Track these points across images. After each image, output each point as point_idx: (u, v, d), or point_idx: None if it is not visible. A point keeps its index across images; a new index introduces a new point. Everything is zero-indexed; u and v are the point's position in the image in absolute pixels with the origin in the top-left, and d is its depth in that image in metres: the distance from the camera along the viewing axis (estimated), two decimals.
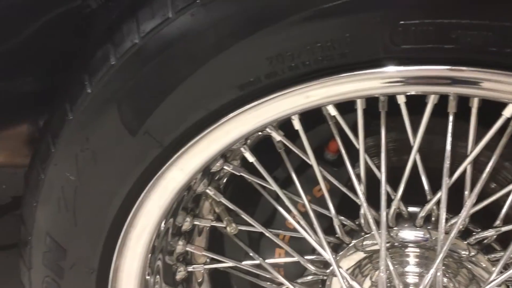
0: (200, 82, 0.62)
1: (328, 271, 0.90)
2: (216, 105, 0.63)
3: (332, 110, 0.75)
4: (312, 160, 0.80)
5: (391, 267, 0.77)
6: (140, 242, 0.77)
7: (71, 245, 0.75)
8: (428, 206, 0.80)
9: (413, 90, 0.60)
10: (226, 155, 0.82)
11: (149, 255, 0.80)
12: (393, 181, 0.79)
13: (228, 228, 0.88)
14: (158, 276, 0.88)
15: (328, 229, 0.85)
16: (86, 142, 0.68)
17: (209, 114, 0.64)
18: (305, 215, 0.85)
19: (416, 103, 0.73)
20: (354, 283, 0.80)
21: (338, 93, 0.62)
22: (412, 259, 0.83)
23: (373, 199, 0.81)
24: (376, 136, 0.87)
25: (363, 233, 0.86)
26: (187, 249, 0.91)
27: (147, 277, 0.85)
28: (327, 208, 0.84)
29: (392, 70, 0.57)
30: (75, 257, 0.76)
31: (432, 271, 0.75)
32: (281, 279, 0.87)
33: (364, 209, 0.79)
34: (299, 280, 0.92)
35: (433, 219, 0.82)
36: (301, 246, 0.91)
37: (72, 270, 0.76)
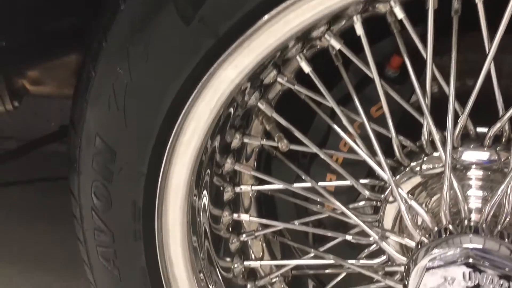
0: None
1: (382, 196, 0.85)
2: None
3: (399, 13, 0.69)
4: (373, 72, 0.75)
5: (456, 185, 0.72)
6: (190, 149, 0.74)
7: (121, 146, 0.74)
8: (498, 124, 0.73)
9: None
10: (279, 66, 0.78)
11: (196, 173, 0.78)
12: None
13: (279, 144, 0.84)
14: (205, 199, 0.87)
15: (385, 152, 0.81)
16: (138, 34, 0.66)
17: None
18: (361, 137, 0.81)
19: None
20: (413, 203, 0.75)
21: None
22: (475, 182, 0.78)
23: (436, 120, 0.75)
24: (439, 57, 0.81)
25: (423, 155, 0.81)
26: (235, 168, 0.88)
27: (194, 198, 0.83)
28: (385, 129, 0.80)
29: None
30: (124, 160, 0.74)
31: (501, 189, 0.69)
32: (335, 202, 0.84)
33: (429, 123, 0.74)
34: (350, 206, 0.88)
35: (503, 139, 0.76)
36: (353, 171, 0.86)
37: (121, 173, 0.75)
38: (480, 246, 0.66)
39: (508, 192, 0.69)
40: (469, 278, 0.66)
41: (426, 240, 0.73)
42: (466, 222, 0.71)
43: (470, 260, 0.66)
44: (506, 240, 0.68)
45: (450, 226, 0.71)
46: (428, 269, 0.68)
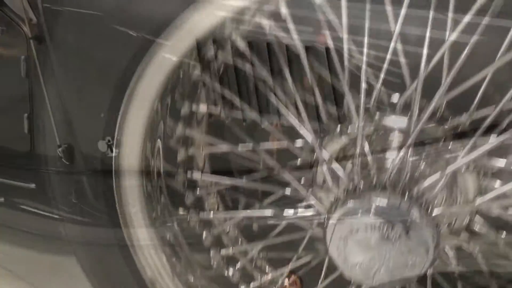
0: None
1: (314, 157, 0.97)
2: None
3: None
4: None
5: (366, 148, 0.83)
6: None
7: None
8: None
9: None
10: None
11: None
12: None
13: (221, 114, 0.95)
14: None
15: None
16: None
17: None
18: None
19: None
20: (334, 164, 0.87)
21: None
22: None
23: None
24: None
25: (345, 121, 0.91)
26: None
27: None
28: None
29: None
30: None
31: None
32: (270, 162, 0.95)
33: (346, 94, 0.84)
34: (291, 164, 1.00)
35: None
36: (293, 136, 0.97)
37: None
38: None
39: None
40: (372, 230, 0.79)
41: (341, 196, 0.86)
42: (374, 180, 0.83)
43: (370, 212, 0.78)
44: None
45: (361, 184, 0.83)
46: (338, 221, 0.81)
